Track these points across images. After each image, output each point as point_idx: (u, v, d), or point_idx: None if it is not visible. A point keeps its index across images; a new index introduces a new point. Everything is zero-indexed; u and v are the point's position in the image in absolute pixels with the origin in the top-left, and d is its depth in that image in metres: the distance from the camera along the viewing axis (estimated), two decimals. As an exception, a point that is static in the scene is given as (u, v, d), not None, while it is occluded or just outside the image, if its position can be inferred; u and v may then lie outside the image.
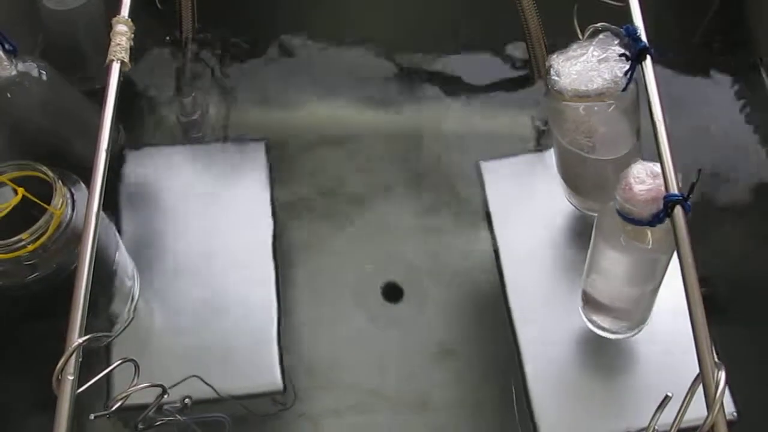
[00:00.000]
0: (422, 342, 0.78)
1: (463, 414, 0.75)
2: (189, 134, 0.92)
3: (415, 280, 0.82)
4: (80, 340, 0.48)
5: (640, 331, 0.71)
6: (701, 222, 0.83)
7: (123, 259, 0.75)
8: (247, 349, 0.75)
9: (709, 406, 0.45)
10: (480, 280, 0.81)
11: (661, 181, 0.55)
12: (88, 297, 0.49)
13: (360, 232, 0.86)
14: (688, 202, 0.52)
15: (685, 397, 0.50)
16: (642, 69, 0.59)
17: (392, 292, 0.82)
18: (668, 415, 0.49)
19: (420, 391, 0.76)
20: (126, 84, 0.93)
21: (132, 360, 0.54)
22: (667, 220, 0.55)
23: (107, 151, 0.56)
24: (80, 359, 0.48)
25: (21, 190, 0.61)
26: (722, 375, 0.46)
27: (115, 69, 0.60)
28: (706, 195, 0.85)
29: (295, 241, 0.84)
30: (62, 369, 0.47)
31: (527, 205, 0.83)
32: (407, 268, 0.83)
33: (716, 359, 0.47)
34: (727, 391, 0.65)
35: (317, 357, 0.77)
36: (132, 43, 0.63)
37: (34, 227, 0.62)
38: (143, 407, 0.59)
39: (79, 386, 0.48)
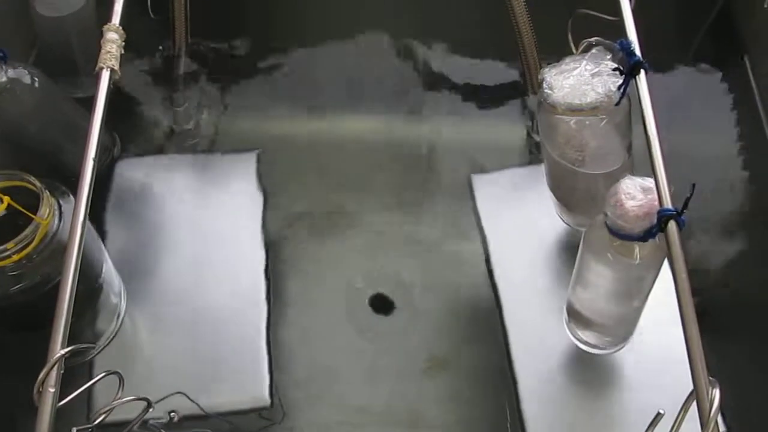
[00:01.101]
0: (413, 356, 0.77)
1: (453, 430, 0.74)
2: (182, 144, 0.91)
3: (405, 294, 0.81)
4: (62, 352, 0.47)
5: (623, 347, 0.71)
6: (689, 233, 0.84)
7: (109, 274, 0.74)
8: (235, 364, 0.74)
9: (704, 424, 0.44)
10: (471, 294, 0.80)
11: (653, 196, 0.55)
12: (71, 308, 0.48)
13: (351, 244, 0.85)
14: (683, 217, 0.52)
15: (678, 414, 0.49)
16: (636, 83, 0.59)
17: (383, 306, 0.81)
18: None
19: (410, 406, 0.75)
20: (120, 94, 0.94)
21: (116, 372, 0.53)
22: (657, 236, 0.54)
23: (95, 159, 0.55)
24: (62, 371, 0.47)
25: (6, 199, 0.61)
26: (716, 393, 0.45)
27: (105, 76, 0.60)
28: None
29: (286, 254, 0.84)
30: (43, 381, 0.46)
31: (519, 218, 0.83)
32: (398, 281, 0.82)
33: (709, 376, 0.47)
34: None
35: (306, 371, 0.76)
36: (122, 51, 0.62)
37: (20, 237, 0.61)
38: (128, 423, 0.58)
39: (62, 399, 0.47)
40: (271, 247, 0.82)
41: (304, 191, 0.89)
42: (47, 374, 0.46)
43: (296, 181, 0.89)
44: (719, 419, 0.65)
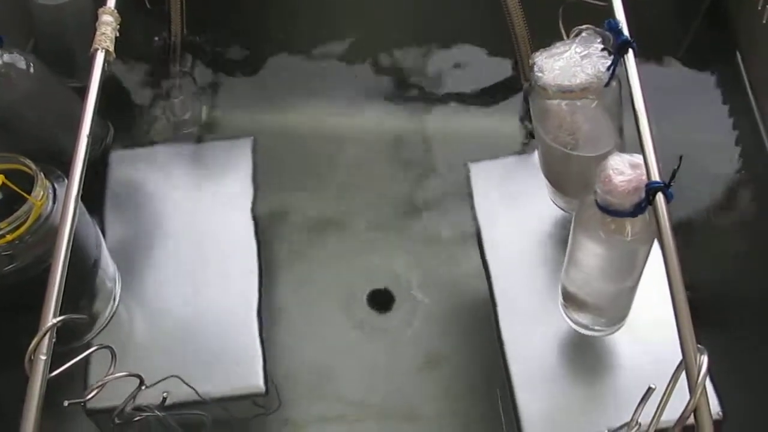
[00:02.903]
0: (410, 351, 0.77)
1: (449, 423, 0.74)
2: (177, 135, 0.92)
3: (402, 287, 0.81)
4: (54, 321, 0.47)
5: (619, 328, 0.71)
6: (684, 220, 0.84)
7: (104, 258, 0.74)
8: (229, 351, 0.73)
9: (692, 389, 0.45)
10: (469, 289, 0.81)
11: (641, 171, 0.55)
12: (64, 277, 0.49)
13: (346, 238, 0.86)
14: (670, 190, 0.52)
15: (668, 384, 0.49)
16: (624, 62, 0.60)
17: (380, 300, 0.81)
18: (653, 410, 0.49)
19: (407, 401, 0.75)
20: (115, 84, 0.95)
21: (108, 347, 0.54)
22: (647, 212, 0.55)
23: (89, 136, 0.55)
24: (54, 340, 0.47)
25: (0, 177, 0.61)
26: (704, 359, 0.46)
27: (100, 58, 0.61)
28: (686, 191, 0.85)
29: (281, 245, 0.84)
30: (35, 349, 0.46)
31: (515, 206, 0.83)
32: (395, 275, 0.82)
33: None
34: (712, 390, 0.65)
35: (304, 365, 0.77)
36: (117, 34, 0.63)
37: (13, 216, 0.62)
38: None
39: (53, 371, 0.47)
40: (266, 236, 0.82)
41: (300, 184, 0.89)
42: (39, 342, 0.46)
43: (292, 174, 0.90)
44: (715, 403, 0.65)
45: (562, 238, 0.79)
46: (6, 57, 0.69)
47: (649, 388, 0.53)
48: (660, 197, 0.51)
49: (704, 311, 0.77)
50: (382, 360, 0.77)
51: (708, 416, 0.44)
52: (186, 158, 0.87)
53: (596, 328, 0.71)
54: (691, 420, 0.45)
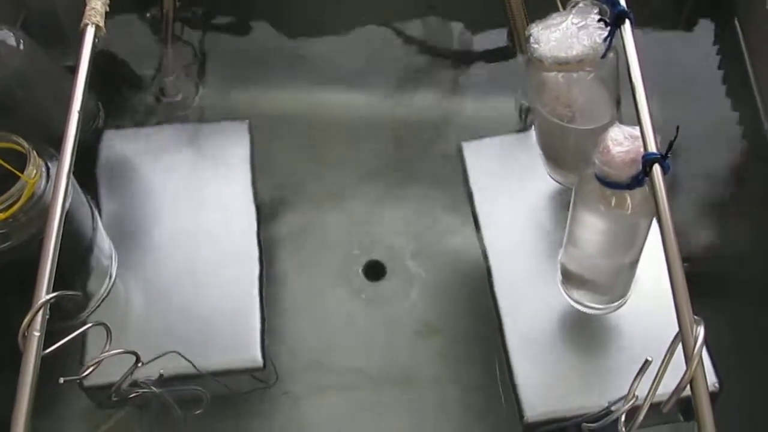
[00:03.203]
0: (406, 320, 0.78)
1: (446, 390, 0.75)
2: (170, 115, 0.91)
3: (398, 261, 0.82)
4: (47, 297, 0.47)
5: (620, 306, 0.71)
6: (683, 194, 0.84)
7: (99, 236, 0.74)
8: (227, 327, 0.73)
9: (688, 360, 0.45)
10: (464, 260, 0.81)
11: (639, 142, 0.55)
12: (57, 253, 0.48)
13: (343, 212, 0.86)
14: (667, 161, 0.52)
15: (665, 356, 0.49)
16: (621, 33, 0.59)
17: (376, 272, 0.82)
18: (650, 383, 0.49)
19: (404, 368, 0.75)
20: (106, 63, 0.94)
21: (103, 324, 0.54)
22: (647, 185, 0.54)
23: (80, 112, 0.55)
24: (47, 316, 0.47)
25: (-7, 154, 0.61)
26: (701, 330, 0.46)
27: (90, 33, 0.60)
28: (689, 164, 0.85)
29: (279, 222, 0.84)
30: (29, 325, 0.46)
31: (509, 183, 0.83)
32: (391, 248, 0.83)
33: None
34: (709, 362, 0.65)
35: (301, 337, 0.77)
36: (108, 9, 0.62)
37: (6, 195, 0.61)
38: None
39: (48, 348, 0.47)
40: (263, 214, 0.82)
41: (297, 162, 0.89)
42: (32, 318, 0.46)
43: (288, 153, 0.90)
44: (711, 373, 0.65)
45: (558, 213, 0.79)
46: (-5, 34, 0.69)
47: (646, 360, 0.53)
48: (657, 168, 0.51)
49: (703, 284, 0.77)
50: (380, 330, 0.78)
51: (704, 387, 0.44)
52: (181, 138, 0.87)
53: (596, 305, 0.71)
54: (688, 392, 0.45)
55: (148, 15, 0.95)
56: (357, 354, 0.77)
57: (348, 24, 0.99)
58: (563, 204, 0.80)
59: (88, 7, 0.61)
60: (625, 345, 0.70)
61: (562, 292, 0.73)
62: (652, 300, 0.71)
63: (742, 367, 0.73)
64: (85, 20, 0.60)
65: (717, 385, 0.66)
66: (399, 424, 0.74)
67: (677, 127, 0.51)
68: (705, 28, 0.97)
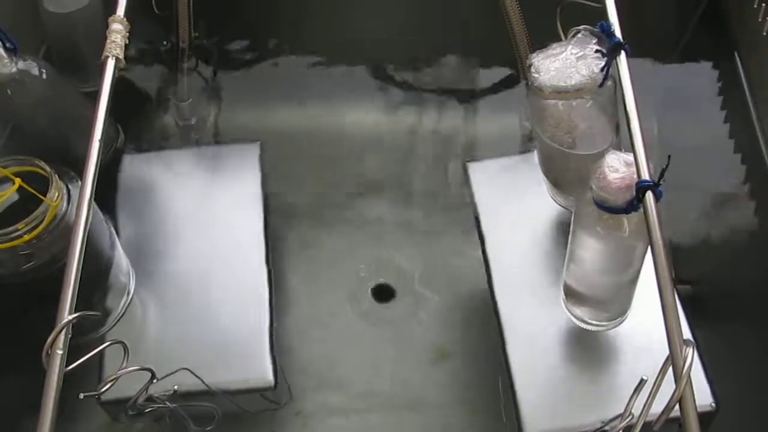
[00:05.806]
0: (414, 343, 0.80)
1: (454, 414, 0.76)
2: (186, 138, 0.94)
3: (407, 282, 0.83)
4: (70, 317, 0.49)
5: (621, 323, 0.73)
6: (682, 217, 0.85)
7: (118, 255, 0.76)
8: (238, 347, 0.75)
9: (677, 379, 0.46)
10: (471, 282, 0.83)
11: (634, 169, 0.57)
12: (79, 275, 0.51)
13: (352, 234, 0.88)
14: (660, 188, 0.54)
15: (657, 376, 0.51)
16: (617, 63, 0.61)
17: (384, 294, 0.83)
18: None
19: (413, 391, 0.77)
20: (125, 89, 0.97)
21: (121, 342, 0.56)
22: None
23: (101, 140, 0.58)
24: (69, 335, 0.49)
25: (18, 180, 0.64)
26: (690, 351, 0.47)
27: (110, 65, 0.63)
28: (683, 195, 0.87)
29: (289, 242, 0.86)
30: (52, 344, 0.48)
31: (515, 204, 0.84)
32: (399, 269, 0.84)
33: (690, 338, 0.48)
34: (705, 382, 0.67)
35: (311, 357, 0.79)
36: (127, 41, 0.65)
37: (30, 217, 0.64)
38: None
39: (69, 365, 0.49)
40: (274, 235, 0.84)
41: (306, 183, 0.91)
42: (55, 338, 0.48)
43: (298, 173, 0.92)
44: (708, 395, 0.67)
45: (562, 234, 0.81)
46: (20, 64, 0.72)
47: (642, 379, 0.55)
48: (649, 195, 0.53)
49: (705, 305, 0.79)
50: (388, 351, 0.79)
51: (693, 407, 0.46)
52: (195, 161, 0.89)
53: (598, 322, 0.73)
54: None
55: (164, 43, 0.99)
56: (366, 375, 0.78)
57: (359, 48, 1.02)
58: (566, 222, 0.82)
59: (108, 41, 0.64)
60: (625, 363, 0.71)
61: (565, 309, 0.74)
62: (651, 318, 0.72)
63: (742, 387, 0.74)
64: (106, 53, 0.63)
65: (714, 404, 0.67)
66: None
67: (669, 156, 0.53)
68: (704, 54, 0.99)
